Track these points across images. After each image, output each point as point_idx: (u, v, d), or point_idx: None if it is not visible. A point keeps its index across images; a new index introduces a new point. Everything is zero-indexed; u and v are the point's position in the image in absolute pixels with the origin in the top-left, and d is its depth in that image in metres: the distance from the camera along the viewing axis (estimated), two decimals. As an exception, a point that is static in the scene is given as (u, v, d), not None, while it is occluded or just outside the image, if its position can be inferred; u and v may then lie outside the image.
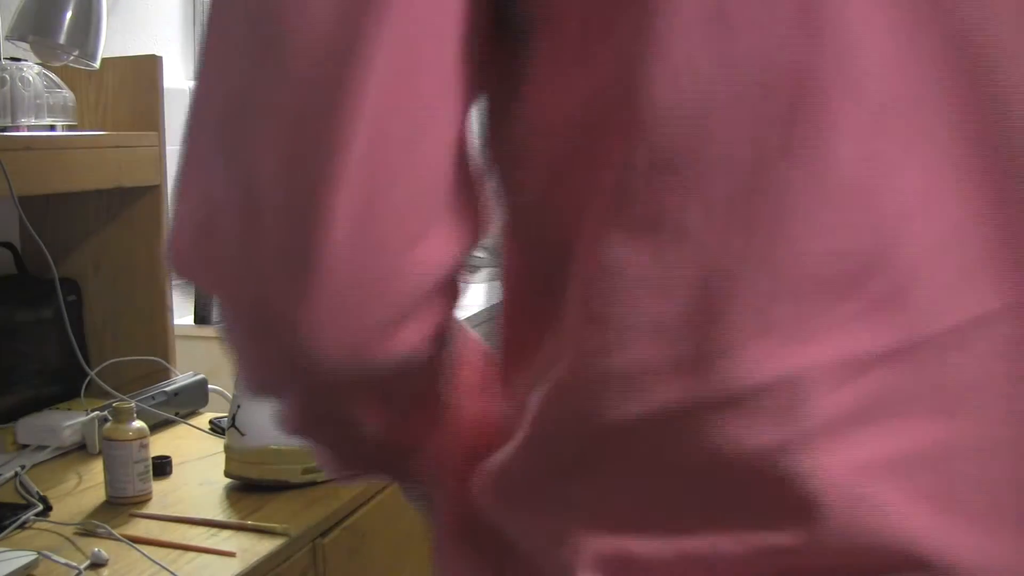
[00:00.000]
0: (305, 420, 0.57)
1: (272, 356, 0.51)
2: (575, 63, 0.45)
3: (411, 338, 0.48)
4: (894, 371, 0.46)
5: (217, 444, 1.62)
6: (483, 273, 1.99)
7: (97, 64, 1.74)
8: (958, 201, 0.46)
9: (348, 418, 0.54)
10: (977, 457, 0.47)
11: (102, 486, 1.44)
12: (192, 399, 1.85)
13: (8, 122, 1.62)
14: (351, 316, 0.46)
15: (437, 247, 0.47)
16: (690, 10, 0.43)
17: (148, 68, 1.86)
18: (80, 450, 1.65)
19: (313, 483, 1.44)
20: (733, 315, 0.44)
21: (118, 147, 1.76)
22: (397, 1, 0.44)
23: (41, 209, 1.87)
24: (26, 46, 1.68)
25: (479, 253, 0.52)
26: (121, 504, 1.41)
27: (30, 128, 1.64)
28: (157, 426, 1.72)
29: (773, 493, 0.45)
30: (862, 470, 0.45)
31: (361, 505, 1.49)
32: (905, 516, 0.45)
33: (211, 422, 1.78)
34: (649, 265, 0.45)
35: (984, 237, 0.47)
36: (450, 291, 0.50)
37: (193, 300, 2.31)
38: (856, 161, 0.44)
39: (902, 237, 0.45)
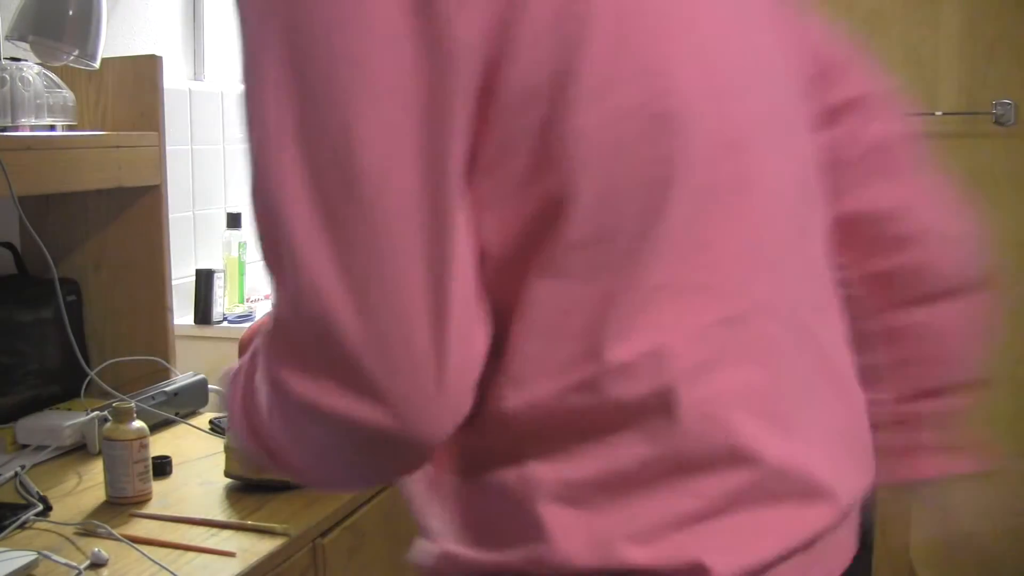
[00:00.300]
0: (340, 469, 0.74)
1: (380, 453, 0.67)
2: (518, 192, 0.68)
3: (469, 407, 0.68)
4: (727, 334, 0.71)
5: (217, 444, 1.62)
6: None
7: (97, 64, 1.74)
8: (780, 237, 0.76)
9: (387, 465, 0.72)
10: (780, 388, 0.74)
11: (102, 486, 1.44)
12: (192, 399, 1.85)
13: (8, 122, 1.62)
14: (456, 408, 0.66)
15: (483, 340, 0.68)
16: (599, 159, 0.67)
17: (148, 68, 1.86)
18: (80, 450, 1.65)
19: (313, 483, 1.44)
20: (619, 320, 0.69)
21: (118, 147, 1.76)
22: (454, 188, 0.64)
23: (41, 209, 1.87)
24: (26, 46, 1.68)
25: None
26: (121, 504, 1.41)
27: (30, 128, 1.64)
28: (157, 426, 1.72)
29: (656, 420, 0.69)
30: (710, 399, 0.70)
31: (361, 505, 1.49)
32: (737, 427, 0.70)
33: (211, 422, 1.78)
34: (571, 297, 0.69)
35: (784, 251, 0.77)
36: None
37: (193, 300, 2.31)
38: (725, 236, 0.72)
39: (743, 261, 0.73)
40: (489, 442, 0.71)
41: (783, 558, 0.71)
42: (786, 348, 0.76)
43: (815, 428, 0.76)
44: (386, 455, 0.67)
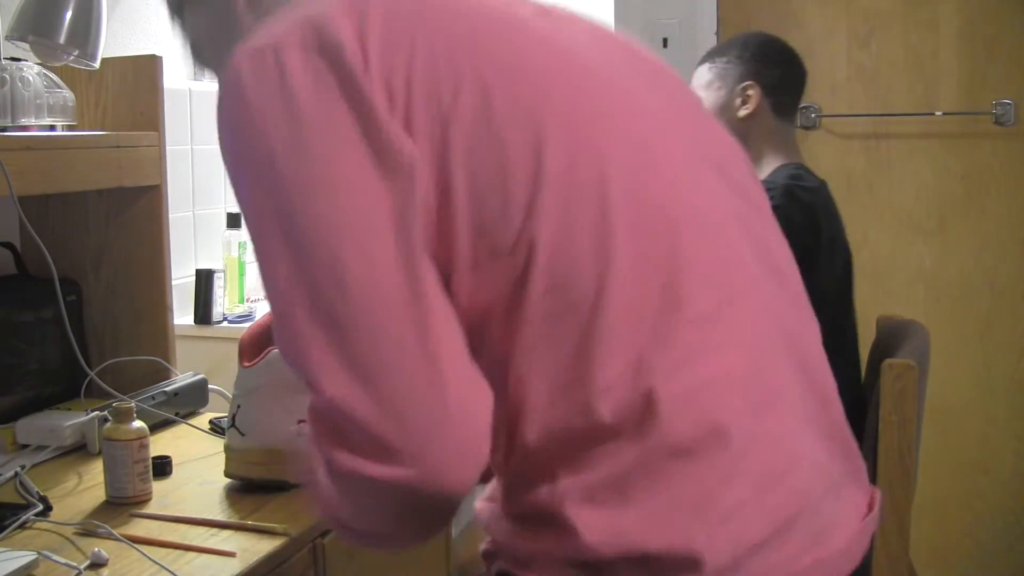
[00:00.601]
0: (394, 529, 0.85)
1: (424, 505, 0.79)
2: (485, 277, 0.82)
3: (487, 453, 0.80)
4: (697, 333, 0.82)
5: (217, 444, 1.62)
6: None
7: (97, 64, 1.74)
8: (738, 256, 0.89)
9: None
10: (756, 371, 0.84)
11: (102, 486, 1.44)
12: (192, 399, 1.85)
13: (8, 122, 1.62)
14: (475, 457, 0.79)
15: (484, 394, 0.80)
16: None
17: (148, 68, 1.86)
18: (80, 450, 1.65)
19: (313, 483, 1.44)
20: (598, 348, 0.80)
21: (118, 147, 1.76)
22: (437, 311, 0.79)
23: (41, 209, 1.87)
24: (26, 46, 1.68)
25: None
26: (121, 504, 1.41)
27: (30, 128, 1.64)
28: (157, 426, 1.72)
29: (643, 421, 0.79)
30: (685, 390, 0.79)
31: (361, 505, 1.49)
32: (714, 408, 0.80)
33: (211, 422, 1.78)
34: (555, 337, 0.81)
35: (741, 256, 0.89)
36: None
37: (193, 300, 2.31)
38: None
39: (699, 268, 0.84)
40: (522, 472, 0.83)
41: (770, 539, 0.80)
42: (759, 336, 0.86)
43: (792, 408, 0.86)
44: (426, 508, 0.79)
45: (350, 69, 0.80)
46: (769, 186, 1.92)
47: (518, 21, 0.89)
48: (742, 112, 2.06)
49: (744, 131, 2.06)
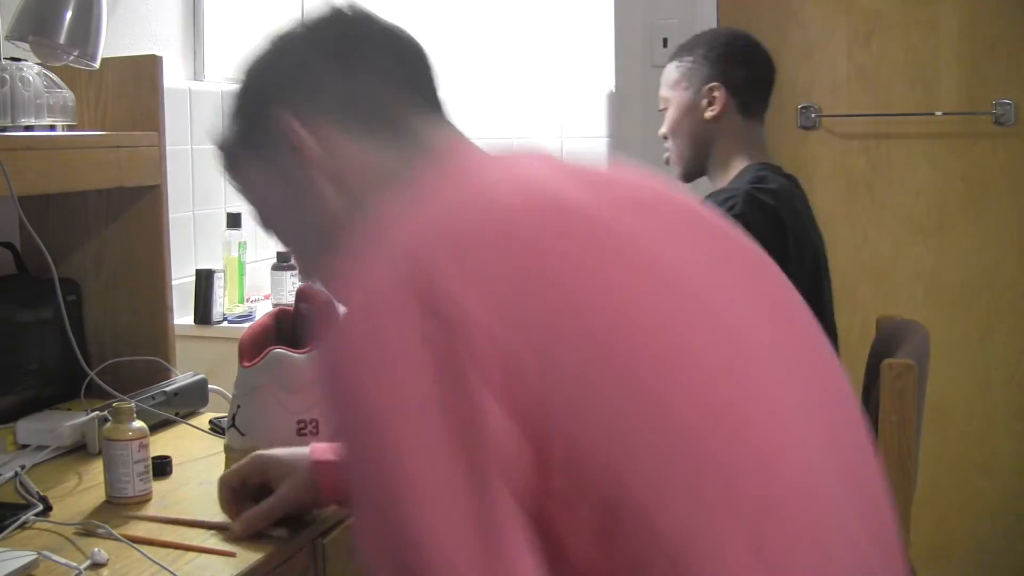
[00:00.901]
0: None
1: None
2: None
3: None
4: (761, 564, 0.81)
5: (217, 444, 1.62)
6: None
7: (97, 64, 1.74)
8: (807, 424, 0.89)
9: None
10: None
11: (102, 486, 1.44)
12: (192, 399, 1.85)
13: (8, 122, 1.62)
14: None
15: None
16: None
17: (148, 68, 1.86)
18: (80, 450, 1.65)
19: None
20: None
21: (118, 147, 1.76)
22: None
23: (41, 209, 1.87)
24: (26, 46, 1.69)
25: None
26: (121, 504, 1.41)
27: (30, 128, 1.64)
28: (157, 426, 1.72)
29: None
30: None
31: (361, 505, 1.49)
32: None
33: (211, 422, 1.78)
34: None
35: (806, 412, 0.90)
36: None
37: (193, 300, 2.31)
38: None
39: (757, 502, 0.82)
40: None
41: None
42: (821, 536, 0.85)
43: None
44: None
45: (451, 336, 0.80)
46: (730, 194, 1.88)
47: (619, 249, 0.89)
48: (708, 113, 2.04)
49: (711, 132, 2.05)
